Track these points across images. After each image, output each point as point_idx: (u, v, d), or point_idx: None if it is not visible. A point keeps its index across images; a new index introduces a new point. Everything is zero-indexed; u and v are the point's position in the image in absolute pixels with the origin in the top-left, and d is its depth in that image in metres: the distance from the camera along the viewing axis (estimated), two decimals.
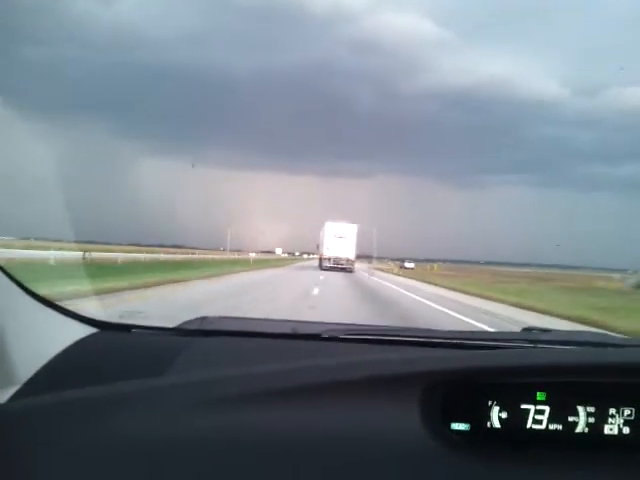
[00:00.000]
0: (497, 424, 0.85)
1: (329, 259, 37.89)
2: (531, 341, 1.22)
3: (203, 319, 1.40)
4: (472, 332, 1.52)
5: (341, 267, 36.92)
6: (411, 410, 0.76)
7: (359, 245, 41.65)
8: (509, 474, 0.75)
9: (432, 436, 0.76)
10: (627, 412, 0.87)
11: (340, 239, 38.35)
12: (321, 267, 37.52)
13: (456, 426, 0.84)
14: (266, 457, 0.67)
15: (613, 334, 2.75)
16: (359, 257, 46.57)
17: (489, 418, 0.85)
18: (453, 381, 0.83)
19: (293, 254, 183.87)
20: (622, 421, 0.87)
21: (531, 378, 0.86)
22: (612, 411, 0.87)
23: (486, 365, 0.85)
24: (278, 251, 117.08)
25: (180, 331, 1.25)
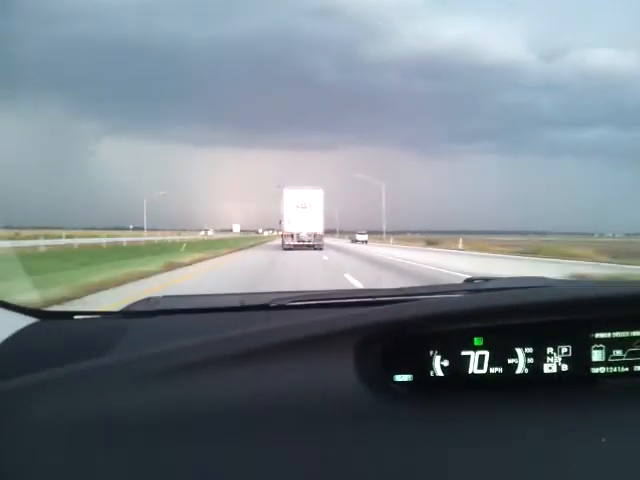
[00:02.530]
0: (439, 372, 0.88)
1: (291, 235, 32.80)
2: (471, 290, 1.27)
3: (148, 300, 1.40)
4: (416, 287, 1.46)
5: (307, 244, 32.11)
6: (348, 366, 0.78)
7: (326, 217, 36.69)
8: (453, 418, 0.77)
9: (373, 389, 0.78)
10: (564, 350, 0.91)
11: (304, 209, 33.22)
12: (283, 247, 32.28)
13: (399, 378, 0.86)
14: (208, 425, 0.70)
15: (552, 278, 1.64)
16: (326, 232, 42.09)
17: (431, 367, 0.88)
18: (391, 333, 0.85)
19: (256, 231, 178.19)
20: (560, 359, 0.91)
21: (468, 323, 0.87)
22: (550, 350, 0.91)
23: (423, 313, 0.86)
24: (235, 228, 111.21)
25: (124, 314, 1.25)
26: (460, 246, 36.30)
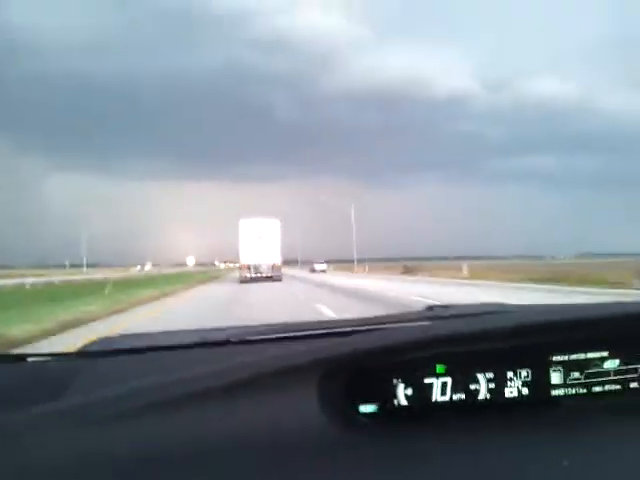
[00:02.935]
0: (403, 401, 0.89)
1: (248, 267, 30.96)
2: (431, 318, 1.28)
3: (105, 339, 1.42)
4: (379, 316, 1.42)
5: (265, 276, 30.45)
6: (312, 400, 0.79)
7: (286, 248, 34.88)
8: (418, 446, 0.78)
9: (338, 422, 0.79)
10: (524, 373, 0.93)
11: (260, 240, 31.63)
12: (240, 279, 30.72)
13: (364, 408, 0.87)
14: (168, 465, 0.69)
15: (509, 303, 1.70)
16: (287, 263, 40.22)
17: (395, 396, 0.88)
18: (354, 365, 0.86)
19: (213, 264, 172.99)
20: (520, 382, 0.93)
21: (430, 351, 0.89)
22: (510, 374, 0.93)
23: (385, 344, 0.87)
24: (190, 262, 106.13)
25: (80, 354, 1.22)
26: (465, 272, 32.98)
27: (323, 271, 55.98)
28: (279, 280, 29.99)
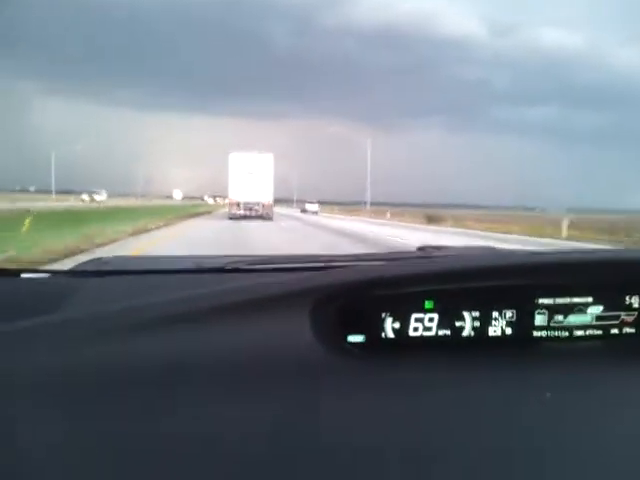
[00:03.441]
0: (390, 334, 0.91)
1: (238, 204, 29.79)
2: (423, 256, 1.29)
3: (99, 260, 1.41)
4: (371, 253, 1.55)
5: (255, 215, 29.32)
6: (304, 326, 0.81)
7: (277, 186, 33.20)
8: (401, 376, 0.81)
9: (327, 349, 0.81)
10: (509, 314, 0.96)
11: (251, 175, 30.26)
12: (229, 215, 29.64)
13: (352, 338, 0.89)
14: (159, 383, 0.70)
15: (501, 247, 1.68)
16: (277, 202, 39.06)
17: (383, 329, 0.91)
18: (345, 295, 0.88)
19: (201, 199, 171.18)
20: (505, 322, 0.96)
21: (420, 287, 0.92)
22: (495, 314, 0.95)
23: (376, 276, 0.90)
24: (176, 195, 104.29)
25: (74, 273, 1.25)
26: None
27: (315, 212, 52.92)
28: (270, 219, 29.08)
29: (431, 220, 33.99)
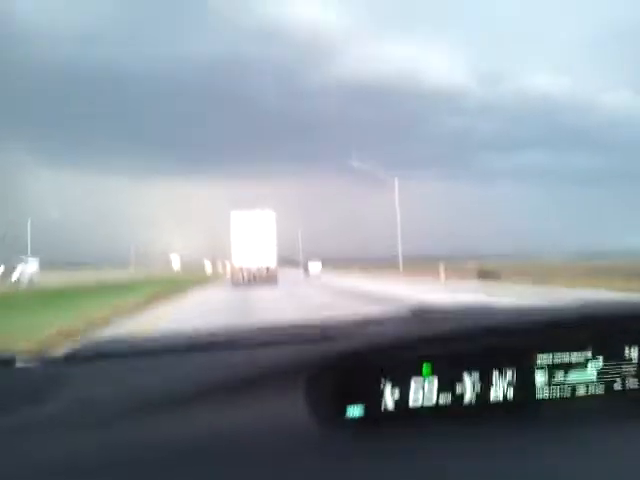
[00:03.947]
0: (390, 404, 0.89)
1: (241, 270, 28.42)
2: (419, 318, 1.29)
3: (91, 344, 1.42)
4: (363, 317, 1.42)
5: (260, 281, 27.85)
6: (299, 401, 0.80)
7: (280, 247, 31.40)
8: (403, 448, 0.79)
9: (325, 424, 0.79)
10: (509, 374, 0.94)
11: (254, 236, 28.84)
12: (232, 282, 28.14)
13: (351, 411, 0.88)
14: (154, 468, 0.70)
15: (495, 304, 1.47)
16: (282, 264, 36.93)
17: (382, 397, 0.89)
18: (340, 366, 0.87)
19: (201, 263, 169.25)
20: (505, 383, 0.94)
21: (416, 350, 0.90)
22: (495, 375, 0.94)
23: (371, 344, 0.89)
24: (175, 263, 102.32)
25: (67, 359, 1.22)
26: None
27: (316, 276, 45.41)
28: (275, 284, 27.43)
29: (486, 275, 26.92)
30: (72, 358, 1.22)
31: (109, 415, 0.74)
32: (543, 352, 0.95)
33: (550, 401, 0.95)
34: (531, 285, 20.22)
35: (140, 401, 0.76)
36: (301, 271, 51.45)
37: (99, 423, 0.72)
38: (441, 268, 28.90)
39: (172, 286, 26.85)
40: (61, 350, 1.28)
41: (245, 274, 28.12)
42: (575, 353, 0.96)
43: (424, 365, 0.90)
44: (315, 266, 50.83)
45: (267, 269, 28.47)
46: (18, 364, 1.18)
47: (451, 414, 0.90)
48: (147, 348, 1.26)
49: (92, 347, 1.34)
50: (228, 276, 32.02)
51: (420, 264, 47.13)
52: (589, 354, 0.97)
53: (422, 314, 1.31)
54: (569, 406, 0.95)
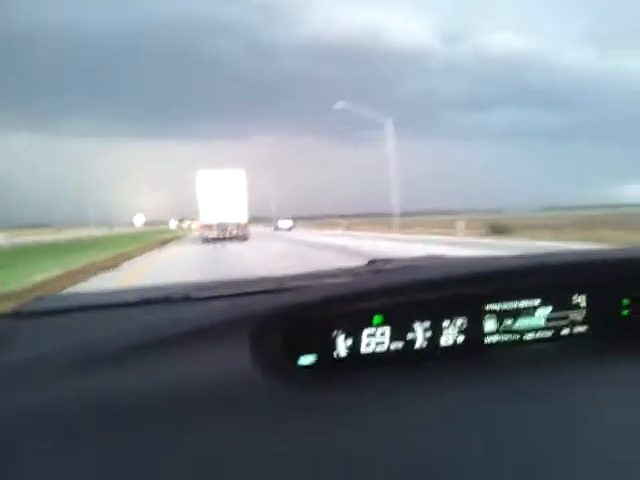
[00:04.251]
0: (343, 352, 0.90)
1: (210, 227, 27.51)
2: (372, 271, 1.30)
3: (42, 298, 1.44)
4: (320, 271, 1.47)
5: (229, 236, 27.35)
6: (245, 353, 0.79)
7: (252, 205, 30.21)
8: (355, 396, 0.80)
9: (274, 375, 0.79)
10: (459, 322, 0.96)
11: (223, 194, 28.04)
12: (202, 239, 27.41)
13: (303, 360, 0.88)
14: (102, 419, 0.69)
15: (450, 255, 1.61)
16: (254, 221, 36.14)
17: (335, 347, 0.90)
18: (291, 317, 0.87)
19: (167, 223, 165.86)
20: (456, 331, 0.96)
21: (369, 302, 0.92)
22: (446, 323, 0.96)
23: (322, 296, 0.91)
24: (138, 221, 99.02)
25: (16, 315, 1.21)
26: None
27: (289, 229, 49.74)
28: (245, 239, 27.10)
29: (499, 231, 24.70)
30: (20, 314, 1.20)
31: (58, 369, 0.73)
32: (493, 300, 0.98)
33: (499, 346, 0.98)
34: (552, 240, 17.65)
35: (89, 354, 0.75)
36: (270, 228, 52.16)
37: (49, 377, 0.72)
38: (460, 224, 26.26)
39: (141, 244, 26.61)
40: (8, 306, 1.26)
41: (215, 229, 27.25)
42: (524, 301, 0.99)
43: (376, 316, 0.91)
44: (286, 223, 51.86)
45: (237, 225, 27.73)
46: None
47: (402, 360, 0.91)
48: (99, 303, 1.25)
49: (41, 303, 1.33)
50: (196, 233, 30.66)
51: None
52: (538, 301, 1.00)
53: (377, 267, 1.36)
54: (517, 351, 0.98)
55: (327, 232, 38.80)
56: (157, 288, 1.43)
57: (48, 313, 1.18)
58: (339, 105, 32.31)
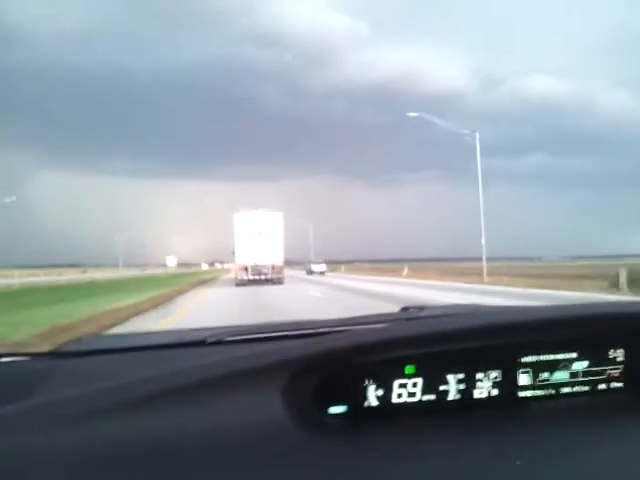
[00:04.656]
0: (374, 402, 0.89)
1: (245, 268, 27.09)
2: (405, 318, 1.32)
3: (79, 340, 1.45)
4: (353, 317, 1.44)
5: (264, 279, 26.91)
6: (276, 401, 0.79)
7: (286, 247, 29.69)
8: (385, 448, 0.79)
9: (304, 424, 0.79)
10: (493, 374, 0.94)
11: (259, 236, 27.73)
12: (235, 282, 27.32)
13: (333, 409, 0.87)
14: (135, 462, 0.70)
15: (484, 304, 1.76)
16: (288, 264, 35.54)
17: (366, 397, 0.89)
18: (322, 365, 0.86)
19: (199, 265, 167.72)
20: (490, 384, 0.94)
21: (401, 351, 0.90)
22: (480, 375, 0.94)
23: (354, 343, 0.88)
24: (170, 262, 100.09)
25: (54, 354, 1.25)
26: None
27: (322, 273, 49.98)
28: (280, 283, 26.77)
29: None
30: (59, 353, 1.22)
31: (91, 411, 0.73)
32: (528, 352, 0.96)
33: (534, 400, 0.96)
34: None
35: (121, 397, 0.75)
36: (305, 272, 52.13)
37: (82, 418, 0.72)
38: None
39: (172, 286, 25.81)
40: (46, 346, 1.28)
41: (250, 272, 26.86)
42: (560, 354, 0.97)
43: (408, 366, 0.90)
44: (319, 267, 51.86)
45: (272, 267, 27.13)
46: (3, 359, 1.18)
47: (434, 412, 0.90)
48: (134, 345, 1.26)
49: (78, 343, 1.35)
50: (230, 275, 30.24)
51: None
52: (574, 354, 0.98)
53: (410, 314, 1.38)
54: (552, 405, 0.96)
55: (379, 279, 34.80)
56: (191, 331, 1.46)
57: (85, 354, 1.20)
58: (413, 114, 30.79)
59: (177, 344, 1.23)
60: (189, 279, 37.60)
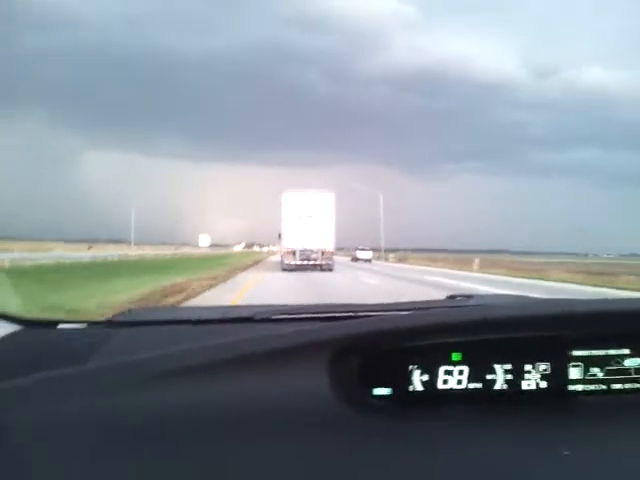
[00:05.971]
0: (419, 386, 0.90)
1: (293, 253, 25.41)
2: (452, 306, 1.34)
3: (131, 311, 1.52)
4: (398, 303, 1.48)
5: (312, 264, 25.24)
6: (322, 378, 0.81)
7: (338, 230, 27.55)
8: (432, 433, 0.80)
9: (349, 402, 0.81)
10: (542, 367, 0.93)
11: (309, 219, 25.64)
12: (282, 266, 25.71)
13: (378, 391, 0.89)
14: (181, 432, 0.73)
15: (533, 296, 1.87)
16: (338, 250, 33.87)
17: (410, 381, 0.90)
18: (368, 346, 0.88)
19: (251, 246, 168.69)
20: (539, 376, 0.94)
21: (447, 337, 0.91)
22: (528, 367, 0.93)
23: (401, 326, 0.90)
24: (203, 242, 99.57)
25: (109, 323, 1.32)
26: None
27: (368, 260, 48.10)
28: (330, 270, 25.09)
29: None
30: (113, 323, 1.29)
31: (141, 377, 0.76)
32: (579, 346, 0.95)
33: (584, 395, 0.95)
34: None
35: (170, 366, 0.78)
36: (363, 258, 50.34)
37: (132, 384, 0.75)
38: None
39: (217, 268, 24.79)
40: (103, 315, 1.34)
41: (298, 257, 25.24)
42: (612, 349, 0.96)
43: (454, 353, 0.90)
44: (365, 254, 50.20)
45: (322, 253, 25.41)
46: (61, 325, 1.27)
47: (480, 401, 0.89)
48: (185, 318, 1.30)
49: (131, 314, 1.44)
50: (275, 258, 28.76)
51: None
52: (626, 351, 0.96)
53: (457, 302, 1.40)
54: (602, 401, 0.95)
55: (445, 271, 29.71)
56: (239, 308, 1.52)
57: (138, 324, 1.27)
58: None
59: (225, 319, 1.26)
60: (228, 262, 35.43)
